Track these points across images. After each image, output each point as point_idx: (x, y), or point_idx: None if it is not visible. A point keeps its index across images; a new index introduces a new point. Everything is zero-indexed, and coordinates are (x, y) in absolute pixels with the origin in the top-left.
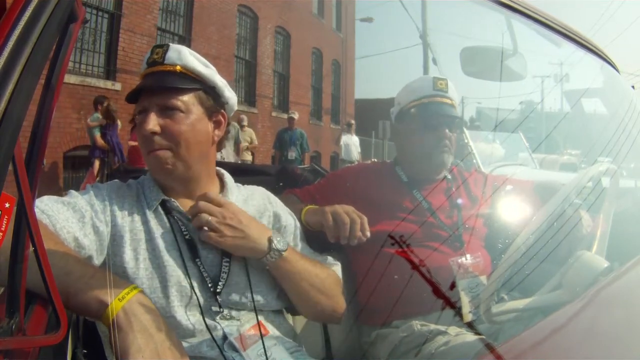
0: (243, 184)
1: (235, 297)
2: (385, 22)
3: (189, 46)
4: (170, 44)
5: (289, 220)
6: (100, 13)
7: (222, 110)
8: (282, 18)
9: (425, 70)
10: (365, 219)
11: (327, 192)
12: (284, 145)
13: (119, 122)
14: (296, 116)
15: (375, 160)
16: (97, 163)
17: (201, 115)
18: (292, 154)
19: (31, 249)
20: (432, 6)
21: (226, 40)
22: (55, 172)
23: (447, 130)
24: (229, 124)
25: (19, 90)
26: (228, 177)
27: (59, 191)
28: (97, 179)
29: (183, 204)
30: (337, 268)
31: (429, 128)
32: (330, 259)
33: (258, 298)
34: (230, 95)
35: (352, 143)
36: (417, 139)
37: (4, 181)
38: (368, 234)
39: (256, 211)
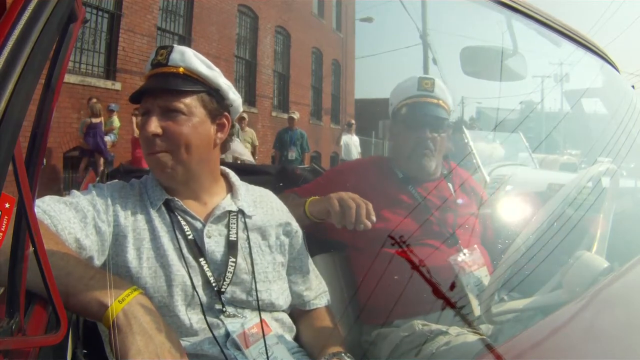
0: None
1: (240, 295)
2: (385, 22)
3: (189, 46)
4: (175, 46)
5: (297, 226)
6: (100, 13)
7: (226, 113)
8: (282, 18)
9: (425, 70)
10: (370, 205)
11: (326, 188)
12: (284, 145)
13: (115, 120)
14: (297, 116)
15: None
16: (82, 163)
17: (204, 117)
18: (292, 154)
19: (31, 249)
20: (432, 6)
21: (226, 40)
22: (55, 172)
23: (428, 131)
24: (233, 126)
25: (19, 90)
26: (234, 177)
27: (59, 191)
28: (98, 179)
29: (187, 204)
30: (326, 294)
31: (410, 128)
32: (323, 283)
33: (264, 297)
34: (235, 97)
35: (352, 143)
36: (402, 139)
37: (4, 181)
38: (374, 218)
39: (265, 216)
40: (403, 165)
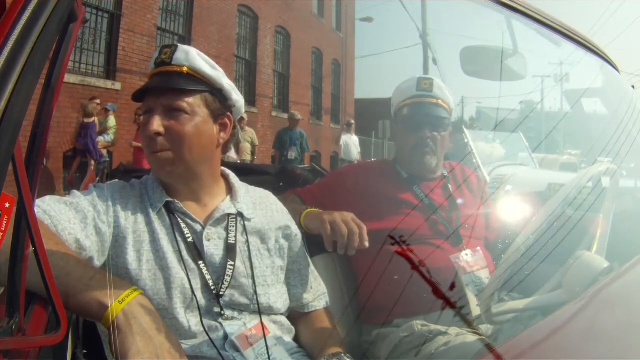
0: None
1: (238, 299)
2: (385, 22)
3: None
4: (179, 45)
5: (297, 229)
6: (100, 13)
7: (229, 113)
8: (282, 18)
9: (425, 70)
10: (365, 229)
11: (328, 190)
12: (284, 145)
13: (111, 120)
14: (299, 117)
15: (375, 159)
16: (75, 163)
17: (206, 117)
18: (292, 154)
19: (31, 249)
20: (432, 6)
21: (226, 40)
22: (55, 172)
23: (427, 130)
24: (234, 127)
25: (19, 90)
26: (234, 179)
27: (59, 191)
28: (98, 179)
29: (187, 206)
30: (325, 296)
31: (411, 128)
32: (322, 285)
33: (263, 301)
34: (238, 98)
35: (352, 143)
36: (404, 139)
37: (4, 181)
38: (366, 244)
39: (264, 218)
40: (406, 164)
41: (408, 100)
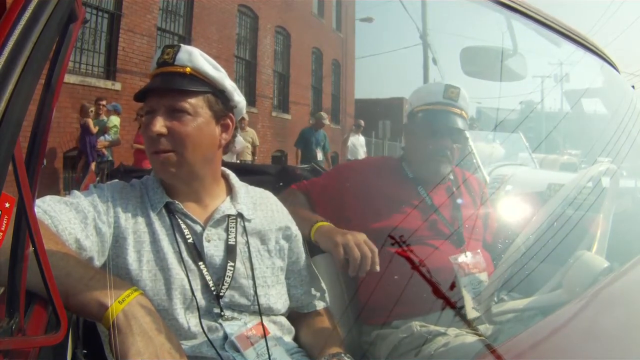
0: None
1: (238, 299)
2: (385, 22)
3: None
4: (182, 45)
5: (297, 230)
6: (100, 13)
7: (231, 114)
8: (282, 18)
9: (425, 70)
10: (377, 252)
11: (336, 182)
12: (308, 144)
13: (112, 119)
14: (327, 122)
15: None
16: (80, 162)
17: (209, 118)
18: (320, 155)
19: (31, 249)
20: (432, 6)
21: (226, 40)
22: (55, 172)
23: (449, 141)
24: (236, 127)
25: (19, 90)
26: (234, 179)
27: (59, 191)
28: (98, 179)
29: (187, 207)
30: (325, 296)
31: (433, 135)
32: (322, 285)
33: (263, 301)
34: (240, 99)
35: (359, 143)
36: (422, 142)
37: (4, 181)
38: (378, 268)
39: (264, 219)
40: (416, 166)
41: (432, 105)
